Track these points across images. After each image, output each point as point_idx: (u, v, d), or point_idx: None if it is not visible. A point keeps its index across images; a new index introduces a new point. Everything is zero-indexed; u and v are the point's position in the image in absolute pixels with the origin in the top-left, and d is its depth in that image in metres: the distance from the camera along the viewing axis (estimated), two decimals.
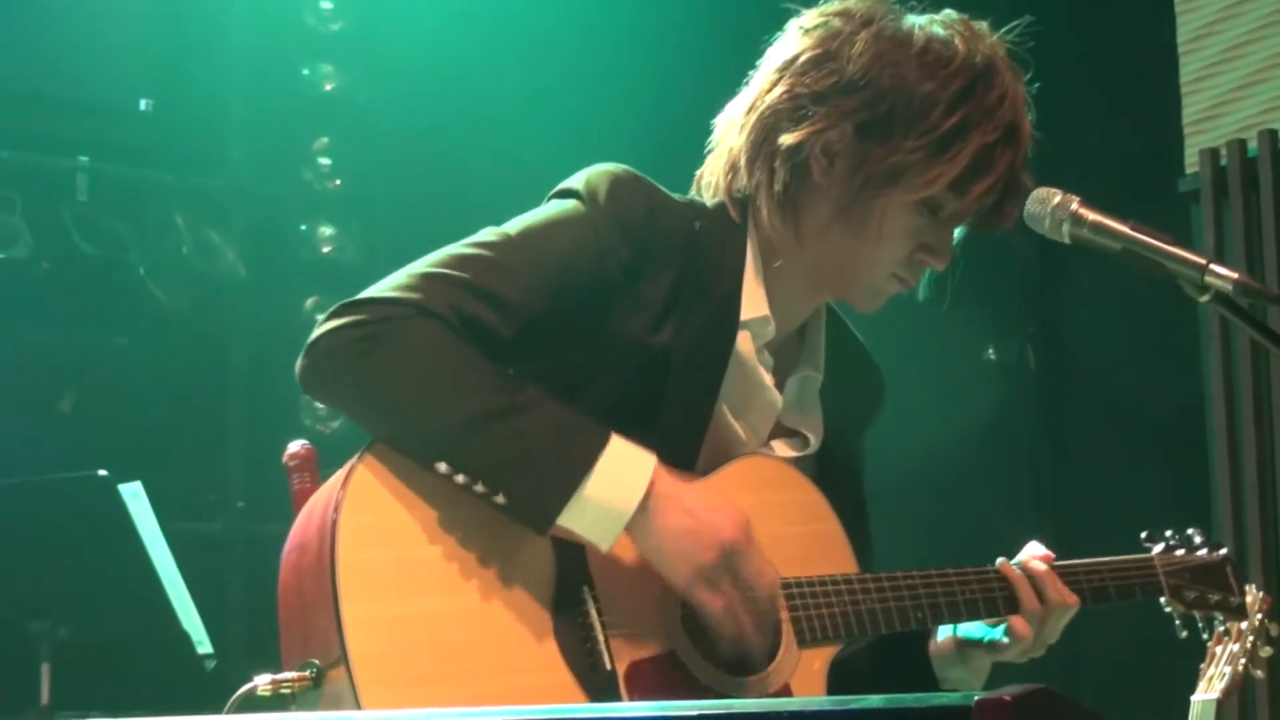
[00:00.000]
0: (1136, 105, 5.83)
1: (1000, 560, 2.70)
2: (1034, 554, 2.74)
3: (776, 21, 2.68)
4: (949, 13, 2.62)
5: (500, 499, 2.38)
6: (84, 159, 5.92)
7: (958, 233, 2.64)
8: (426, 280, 2.45)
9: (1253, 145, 5.23)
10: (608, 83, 6.03)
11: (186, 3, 6.14)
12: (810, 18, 2.62)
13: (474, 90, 6.20)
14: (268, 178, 6.31)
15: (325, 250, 6.33)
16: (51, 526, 4.20)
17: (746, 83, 2.66)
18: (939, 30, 2.57)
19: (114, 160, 5.99)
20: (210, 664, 4.37)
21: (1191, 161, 5.38)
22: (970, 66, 2.54)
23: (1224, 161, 5.27)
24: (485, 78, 6.18)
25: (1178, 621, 2.88)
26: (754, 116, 2.60)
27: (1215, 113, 5.35)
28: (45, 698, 4.20)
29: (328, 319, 2.44)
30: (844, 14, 2.60)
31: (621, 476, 2.40)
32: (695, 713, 1.34)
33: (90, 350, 5.92)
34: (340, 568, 2.33)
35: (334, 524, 2.35)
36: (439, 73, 6.26)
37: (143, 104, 6.04)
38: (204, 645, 4.36)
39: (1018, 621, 2.69)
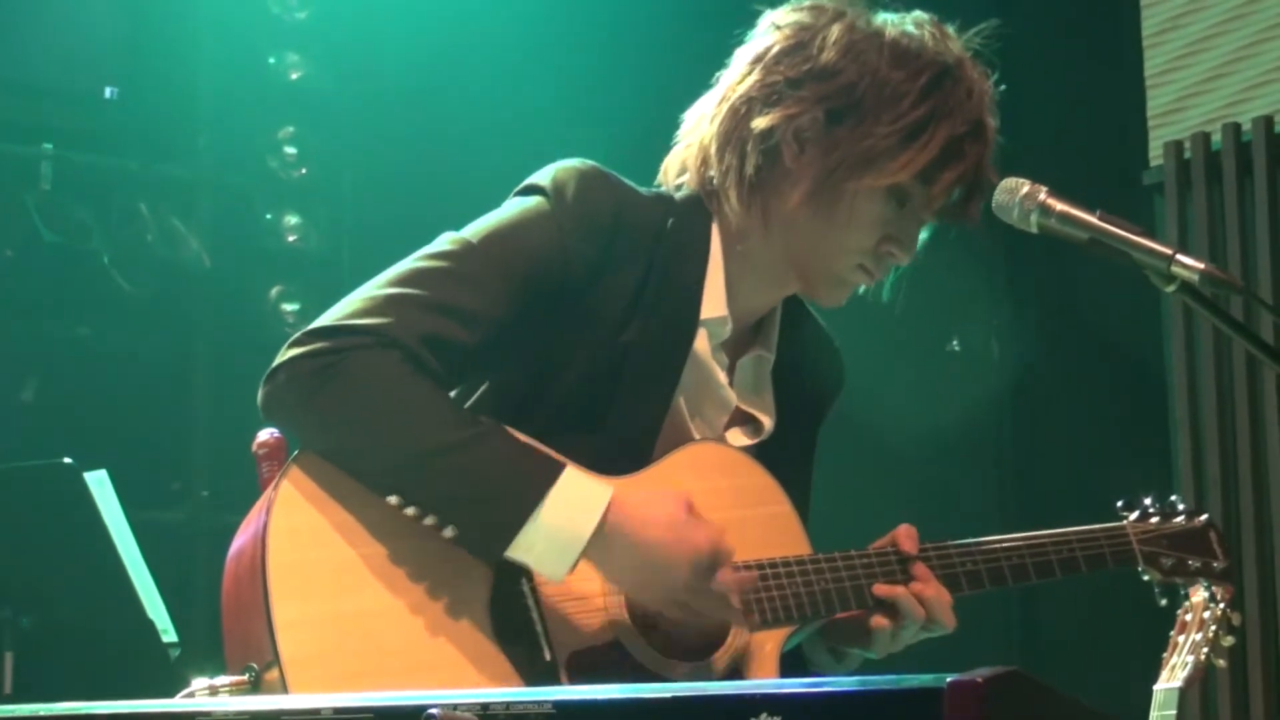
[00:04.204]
0: (1101, 98, 5.85)
1: (875, 585, 2.62)
2: (902, 539, 2.68)
3: (743, 15, 2.69)
4: (919, 13, 2.66)
5: (449, 532, 2.40)
6: (48, 146, 5.89)
7: (924, 234, 2.67)
8: (388, 303, 2.45)
9: (1216, 138, 5.26)
10: (576, 72, 6.03)
11: None
12: (783, 14, 2.65)
13: (440, 79, 6.19)
14: (233, 166, 6.29)
15: (290, 239, 6.30)
16: (16, 514, 4.19)
17: (717, 79, 2.68)
18: (909, 27, 2.62)
19: (78, 148, 5.96)
20: (175, 653, 4.36)
21: (1156, 154, 5.41)
22: (939, 61, 2.58)
23: (1188, 154, 5.30)
24: (451, 67, 6.17)
25: (1157, 590, 2.84)
26: (725, 106, 2.62)
27: (1180, 106, 5.38)
28: (8, 686, 4.19)
29: (289, 346, 2.46)
30: (816, 9, 2.64)
31: (573, 510, 2.40)
32: (669, 695, 1.34)
33: (54, 338, 5.90)
34: (270, 570, 2.36)
35: (265, 527, 2.38)
36: (405, 62, 6.24)
37: (107, 92, 6.02)
38: (169, 634, 4.36)
39: (880, 621, 2.63)
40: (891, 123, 2.54)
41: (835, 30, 2.58)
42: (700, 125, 2.67)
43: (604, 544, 2.41)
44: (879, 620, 2.63)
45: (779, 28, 2.63)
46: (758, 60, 2.61)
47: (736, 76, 2.63)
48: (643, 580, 2.45)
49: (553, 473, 2.41)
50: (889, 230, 2.61)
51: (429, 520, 2.40)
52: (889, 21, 2.62)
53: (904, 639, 2.66)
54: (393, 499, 2.40)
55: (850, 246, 2.62)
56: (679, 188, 2.70)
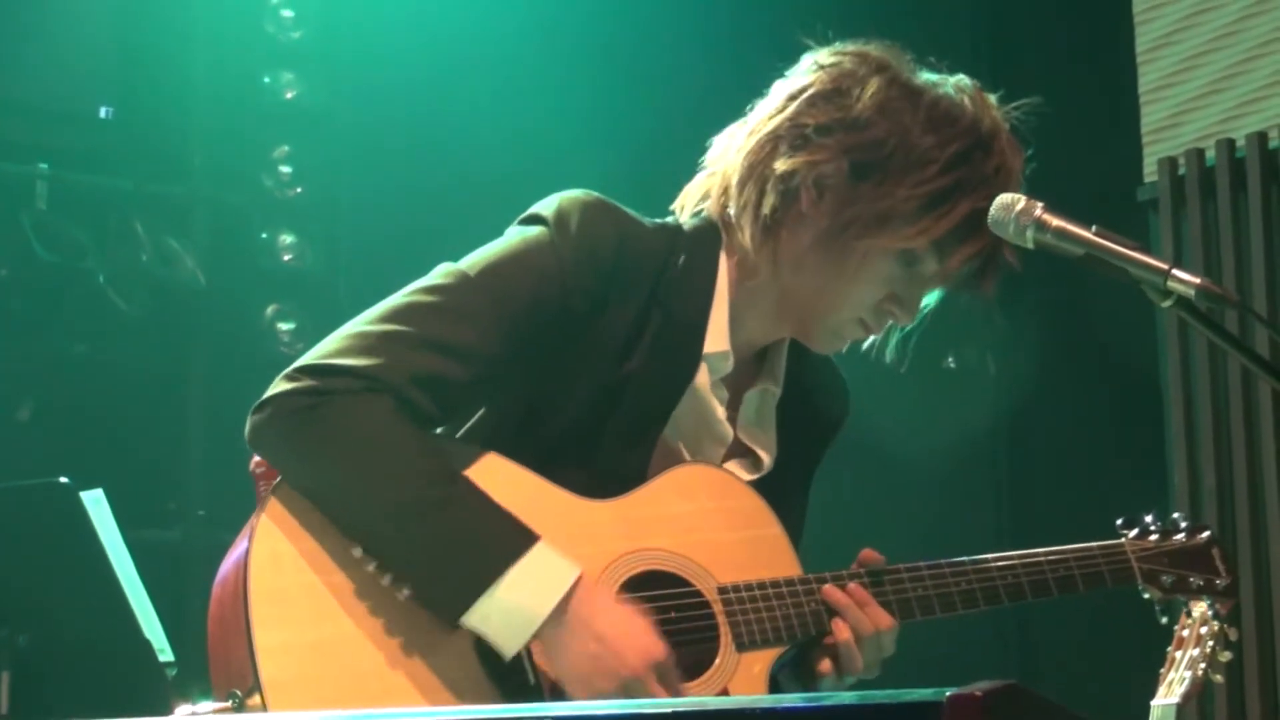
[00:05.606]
0: (1096, 114, 5.85)
1: (825, 586, 2.62)
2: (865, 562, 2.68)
3: (750, 42, 2.68)
4: (963, 78, 2.63)
5: (405, 593, 2.39)
6: (44, 166, 5.91)
7: (932, 299, 2.66)
8: (379, 341, 2.45)
9: (1210, 154, 5.26)
10: (574, 92, 6.03)
11: (147, 10, 6.13)
12: (827, 55, 2.63)
13: (435, 99, 6.20)
14: (228, 185, 6.30)
15: (286, 258, 6.31)
16: (12, 534, 4.17)
17: (750, 109, 2.66)
18: (950, 91, 2.59)
19: (74, 167, 5.98)
20: (172, 672, 4.35)
21: (1150, 170, 5.41)
22: (973, 131, 2.56)
23: (1182, 170, 5.30)
24: (447, 87, 6.18)
25: (1157, 608, 2.82)
26: (754, 139, 2.60)
27: (1174, 122, 5.38)
28: (4, 705, 4.18)
29: (280, 380, 2.46)
30: (860, 56, 2.61)
31: (535, 586, 2.39)
32: (669, 710, 1.34)
33: (50, 357, 5.90)
34: (252, 596, 2.36)
35: (247, 553, 2.39)
36: (400, 81, 6.25)
37: (103, 111, 6.03)
38: (165, 653, 4.34)
39: (825, 665, 2.63)
40: (913, 187, 2.52)
41: (875, 83, 2.55)
42: (727, 154, 2.65)
43: (559, 622, 2.39)
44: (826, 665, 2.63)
45: (821, 68, 2.61)
46: (792, 98, 2.59)
47: (769, 111, 2.61)
48: (574, 673, 2.39)
49: (522, 545, 2.39)
50: (894, 289, 2.61)
51: (385, 581, 2.40)
52: (931, 82, 2.59)
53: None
54: (356, 551, 2.41)
55: (853, 300, 2.61)
56: (697, 213, 2.68)
